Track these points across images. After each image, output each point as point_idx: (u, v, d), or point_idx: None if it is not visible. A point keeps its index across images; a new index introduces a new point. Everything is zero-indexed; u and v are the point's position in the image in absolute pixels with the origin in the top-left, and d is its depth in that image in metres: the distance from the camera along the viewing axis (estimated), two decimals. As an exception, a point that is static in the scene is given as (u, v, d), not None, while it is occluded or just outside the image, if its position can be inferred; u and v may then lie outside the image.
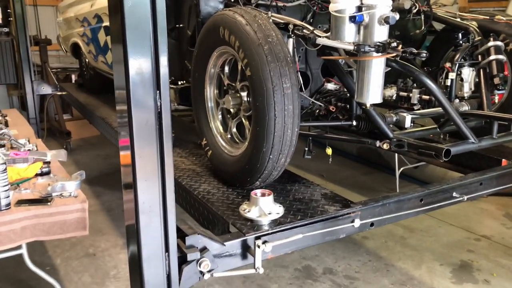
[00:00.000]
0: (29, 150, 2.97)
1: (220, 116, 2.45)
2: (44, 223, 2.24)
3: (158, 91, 1.44)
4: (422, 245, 3.42)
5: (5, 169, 2.19)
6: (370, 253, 3.30)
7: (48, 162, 2.75)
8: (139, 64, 1.39)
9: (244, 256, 1.78)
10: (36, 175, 2.62)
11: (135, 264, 1.57)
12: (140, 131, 1.45)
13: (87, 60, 5.10)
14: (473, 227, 3.68)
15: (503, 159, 2.72)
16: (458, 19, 2.86)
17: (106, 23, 3.85)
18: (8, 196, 2.20)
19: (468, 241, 3.47)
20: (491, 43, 2.58)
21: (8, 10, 5.55)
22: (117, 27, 1.40)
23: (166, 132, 1.47)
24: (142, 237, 1.52)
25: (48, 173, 2.66)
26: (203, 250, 1.65)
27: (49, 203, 2.26)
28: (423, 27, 2.93)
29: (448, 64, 2.62)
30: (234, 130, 2.39)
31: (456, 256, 3.25)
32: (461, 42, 2.77)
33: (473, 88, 2.69)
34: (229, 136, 2.40)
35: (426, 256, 3.26)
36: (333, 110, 2.47)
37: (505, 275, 3.00)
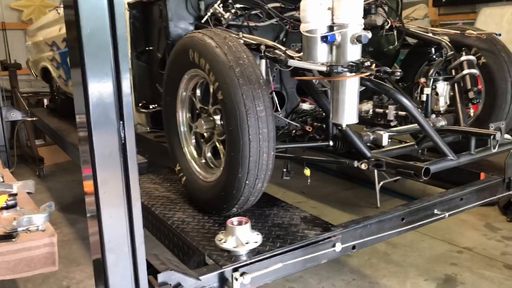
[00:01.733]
0: (-6, 182, 2.82)
1: (193, 141, 2.38)
2: (9, 261, 2.11)
3: (121, 122, 1.36)
4: (406, 260, 3.38)
5: (-35, 205, 2.07)
6: (354, 272, 3.24)
7: (15, 194, 2.61)
8: (99, 94, 1.31)
9: (221, 289, 1.69)
10: (1, 208, 2.48)
11: (104, 306, 1.47)
12: (103, 163, 1.36)
13: (57, 84, 4.97)
14: (455, 239, 3.66)
15: (481, 172, 2.71)
16: (430, 34, 2.87)
17: (76, 46, 3.76)
18: (-31, 235, 2.07)
19: (451, 254, 3.44)
20: (463, 58, 2.58)
21: (-25, 35, 5.42)
22: (76, 56, 1.32)
23: (131, 164, 1.38)
24: (109, 277, 1.43)
25: (14, 206, 2.52)
26: (177, 286, 1.56)
27: (14, 239, 2.13)
28: (396, 43, 2.94)
29: (422, 79, 2.62)
30: (209, 155, 2.31)
31: (440, 270, 3.22)
32: (434, 56, 2.78)
33: (448, 102, 2.69)
34: (203, 161, 2.33)
35: (410, 272, 3.21)
36: (310, 131, 2.42)
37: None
